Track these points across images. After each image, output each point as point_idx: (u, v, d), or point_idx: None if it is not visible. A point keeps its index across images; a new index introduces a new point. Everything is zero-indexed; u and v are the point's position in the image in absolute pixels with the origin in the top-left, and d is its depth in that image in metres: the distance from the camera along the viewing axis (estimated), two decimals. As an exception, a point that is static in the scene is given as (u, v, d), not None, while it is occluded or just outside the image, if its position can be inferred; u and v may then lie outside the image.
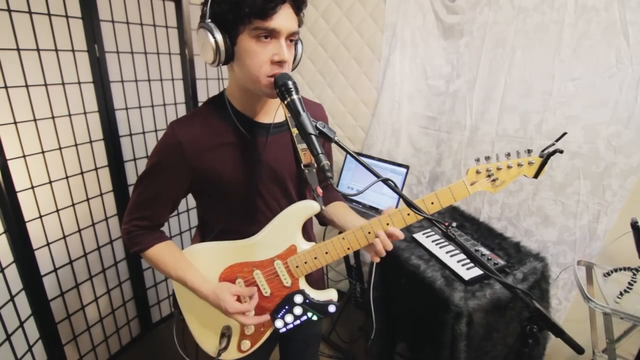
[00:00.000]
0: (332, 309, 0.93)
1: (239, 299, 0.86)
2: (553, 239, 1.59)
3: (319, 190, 0.87)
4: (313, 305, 0.91)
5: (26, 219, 1.34)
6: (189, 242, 2.16)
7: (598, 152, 1.42)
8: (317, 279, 1.02)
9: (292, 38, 0.76)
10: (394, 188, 0.74)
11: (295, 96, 0.71)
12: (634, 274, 1.25)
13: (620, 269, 1.30)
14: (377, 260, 0.85)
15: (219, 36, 0.71)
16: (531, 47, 1.51)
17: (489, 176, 0.80)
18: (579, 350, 0.64)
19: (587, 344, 1.41)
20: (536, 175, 0.81)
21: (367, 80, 1.99)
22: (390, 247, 0.82)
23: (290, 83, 0.71)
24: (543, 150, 0.79)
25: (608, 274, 1.31)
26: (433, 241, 1.47)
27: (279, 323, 0.90)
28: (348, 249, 0.87)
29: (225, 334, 0.91)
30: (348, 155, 1.62)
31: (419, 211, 0.73)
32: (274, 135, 0.87)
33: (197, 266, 0.90)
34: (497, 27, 1.58)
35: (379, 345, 1.60)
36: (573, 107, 1.45)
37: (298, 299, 0.91)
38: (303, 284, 0.92)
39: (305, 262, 0.88)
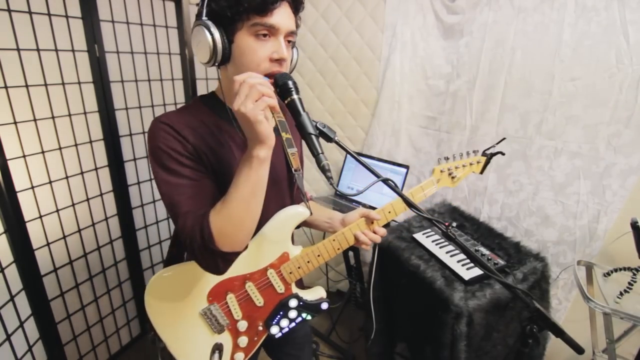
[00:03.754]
0: (324, 306, 0.94)
1: None
2: (553, 239, 1.59)
3: (309, 195, 0.88)
4: (307, 306, 0.92)
5: (26, 219, 1.34)
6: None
7: (598, 152, 1.42)
8: (300, 279, 1.01)
9: (290, 38, 0.75)
10: (394, 188, 0.74)
11: (295, 96, 0.70)
12: (634, 274, 1.25)
13: (620, 269, 1.30)
14: (368, 249, 0.93)
15: (216, 33, 0.69)
16: (531, 47, 1.51)
17: (449, 174, 0.97)
18: (579, 350, 0.64)
19: (587, 344, 1.41)
20: (482, 172, 1.02)
21: (367, 80, 1.99)
22: (377, 239, 0.90)
23: (290, 83, 0.71)
24: (485, 151, 1.01)
25: (608, 274, 1.31)
26: (433, 241, 1.47)
27: (274, 329, 0.90)
28: (338, 249, 0.90)
29: (216, 351, 0.87)
30: (348, 155, 1.62)
31: (419, 211, 0.73)
32: None
33: (181, 287, 0.85)
34: (497, 27, 1.58)
35: (379, 345, 1.60)
36: (573, 107, 1.45)
37: (293, 303, 0.91)
38: (295, 288, 0.92)
39: (299, 267, 0.89)
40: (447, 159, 0.97)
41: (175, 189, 0.73)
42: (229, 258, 0.73)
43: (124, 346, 1.90)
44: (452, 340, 1.19)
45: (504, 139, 1.05)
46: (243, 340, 0.90)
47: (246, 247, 0.77)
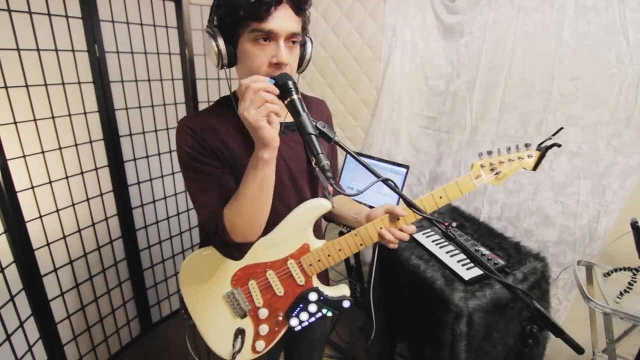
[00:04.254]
0: (346, 304, 0.93)
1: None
2: (553, 239, 1.59)
3: (330, 189, 0.87)
4: (328, 302, 0.92)
5: (26, 219, 1.34)
6: (189, 241, 2.16)
7: (598, 152, 1.42)
8: (326, 275, 1.03)
9: (294, 39, 0.75)
10: (394, 188, 0.74)
11: (295, 96, 0.71)
12: (634, 274, 1.25)
13: (620, 269, 1.30)
14: (395, 246, 0.87)
15: (220, 41, 0.74)
16: (531, 47, 1.51)
17: (492, 169, 0.86)
18: (579, 350, 0.64)
19: (587, 344, 1.41)
20: (535, 168, 0.86)
21: (367, 80, 1.99)
22: (404, 237, 0.85)
23: (290, 83, 0.71)
24: (540, 144, 0.85)
25: (608, 274, 1.31)
26: (433, 241, 1.47)
27: (294, 321, 0.91)
28: (361, 244, 0.88)
29: (239, 336, 0.89)
30: (348, 155, 1.62)
31: (419, 211, 0.74)
32: (285, 135, 0.86)
33: (206, 270, 0.88)
34: (497, 27, 1.58)
35: (379, 345, 1.60)
36: (573, 107, 1.45)
37: (313, 296, 0.91)
38: (316, 282, 0.92)
39: (319, 260, 0.89)
40: (489, 153, 0.86)
41: (196, 184, 0.81)
42: (242, 248, 0.80)
43: (124, 346, 1.90)
44: (452, 340, 1.19)
45: (561, 128, 0.89)
46: (264, 329, 0.91)
47: (259, 238, 0.81)
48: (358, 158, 0.76)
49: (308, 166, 0.91)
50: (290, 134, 0.88)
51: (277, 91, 0.69)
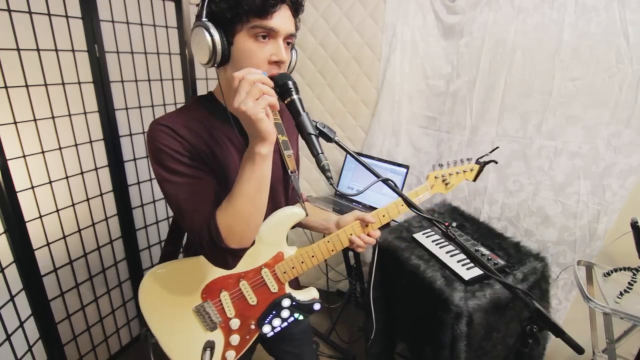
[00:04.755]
0: (317, 306, 0.94)
1: None
2: (553, 239, 1.59)
3: (305, 197, 0.88)
4: (300, 307, 0.93)
5: (26, 219, 1.34)
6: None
7: (598, 152, 1.42)
8: (295, 279, 1.01)
9: (289, 40, 0.75)
10: (394, 188, 0.74)
11: (295, 96, 0.71)
12: (634, 274, 1.25)
13: (620, 269, 1.30)
14: (363, 250, 0.95)
15: (216, 35, 0.69)
16: (531, 47, 1.51)
17: (443, 181, 0.98)
18: (579, 350, 0.63)
19: (587, 344, 1.41)
20: (475, 179, 1.04)
21: (367, 80, 1.99)
22: (371, 242, 0.92)
23: (290, 83, 0.71)
24: (479, 159, 1.02)
25: (608, 274, 1.31)
26: (433, 241, 1.47)
27: (266, 328, 0.91)
28: (332, 250, 0.91)
29: (207, 348, 0.88)
30: (348, 155, 1.62)
31: (419, 211, 0.73)
32: None
33: (172, 285, 0.85)
34: (497, 27, 1.58)
35: (379, 345, 1.60)
36: (573, 107, 1.45)
37: (286, 302, 0.91)
38: (288, 288, 0.93)
39: (293, 267, 0.89)
40: (441, 165, 0.99)
41: (179, 187, 0.74)
42: (238, 254, 0.75)
43: (124, 346, 1.90)
44: (452, 340, 1.19)
45: (497, 147, 1.08)
46: (235, 339, 0.90)
47: (253, 243, 0.78)
48: (358, 158, 0.75)
49: (284, 174, 0.91)
50: None
51: (272, 83, 0.68)
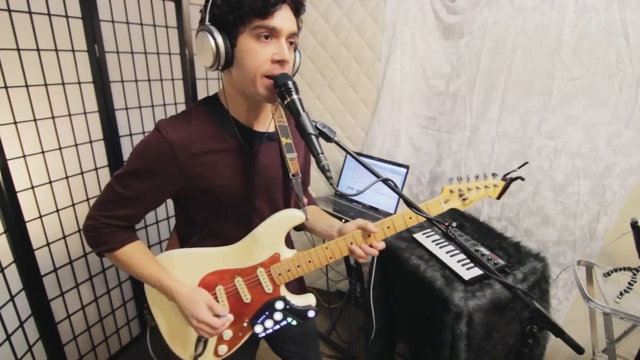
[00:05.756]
0: (311, 314, 0.94)
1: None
2: (553, 239, 1.59)
3: (305, 200, 0.88)
4: (293, 311, 0.92)
5: (26, 219, 1.34)
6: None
7: (598, 152, 1.42)
8: (297, 285, 1.01)
9: (292, 40, 0.75)
10: (394, 188, 0.74)
11: (295, 96, 0.71)
12: (634, 274, 1.25)
13: (620, 269, 1.30)
14: (365, 261, 0.90)
15: (219, 38, 0.71)
16: (531, 47, 1.51)
17: (460, 195, 0.86)
18: (579, 350, 0.64)
19: (587, 344, 1.41)
20: (499, 197, 0.89)
21: (367, 80, 1.99)
22: (374, 253, 0.87)
23: (290, 83, 0.71)
24: (506, 175, 0.88)
25: (608, 274, 1.31)
26: (433, 241, 1.47)
27: (258, 328, 0.91)
28: (330, 257, 0.88)
29: (202, 339, 0.89)
30: (348, 155, 1.62)
31: (420, 212, 0.74)
32: (264, 144, 0.87)
33: (174, 272, 0.87)
34: (497, 27, 1.58)
35: (379, 345, 1.60)
36: (573, 107, 1.45)
37: (279, 305, 0.91)
38: (284, 290, 0.92)
39: (288, 270, 0.89)
40: (460, 179, 0.88)
41: (117, 191, 0.80)
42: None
43: (124, 346, 1.90)
44: (452, 340, 1.19)
45: (526, 163, 0.93)
46: (228, 334, 0.91)
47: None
48: (358, 158, 0.75)
49: (284, 177, 0.91)
50: (270, 143, 0.88)
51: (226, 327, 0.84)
